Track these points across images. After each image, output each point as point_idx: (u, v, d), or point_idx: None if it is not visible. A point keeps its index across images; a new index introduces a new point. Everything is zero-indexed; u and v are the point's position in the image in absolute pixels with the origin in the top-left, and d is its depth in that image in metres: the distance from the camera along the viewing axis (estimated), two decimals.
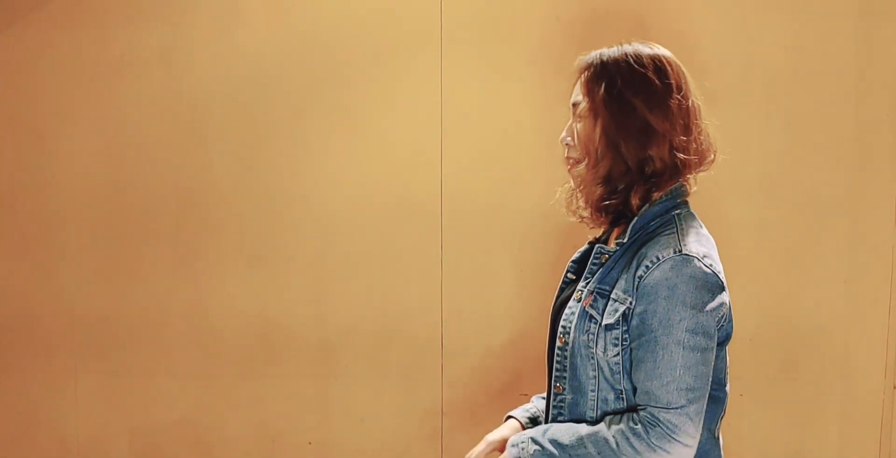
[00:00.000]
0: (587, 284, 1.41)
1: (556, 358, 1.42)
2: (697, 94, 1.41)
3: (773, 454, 2.62)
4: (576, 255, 1.56)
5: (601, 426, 1.33)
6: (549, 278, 2.50)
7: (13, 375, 2.78)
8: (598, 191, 1.38)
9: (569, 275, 1.54)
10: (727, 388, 1.45)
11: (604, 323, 1.34)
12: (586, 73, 1.40)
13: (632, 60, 1.37)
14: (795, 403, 2.60)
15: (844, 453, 2.61)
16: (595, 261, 1.42)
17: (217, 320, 2.70)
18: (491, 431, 1.56)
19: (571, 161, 1.45)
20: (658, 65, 1.37)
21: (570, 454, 1.34)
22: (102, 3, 2.64)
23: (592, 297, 1.37)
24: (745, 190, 2.54)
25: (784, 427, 2.61)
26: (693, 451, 1.30)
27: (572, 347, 1.38)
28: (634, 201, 1.37)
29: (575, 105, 1.43)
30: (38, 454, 2.80)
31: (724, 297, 1.35)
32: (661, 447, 1.27)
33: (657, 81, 1.36)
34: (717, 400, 1.41)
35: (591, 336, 1.36)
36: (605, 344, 1.34)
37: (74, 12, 2.64)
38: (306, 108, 2.62)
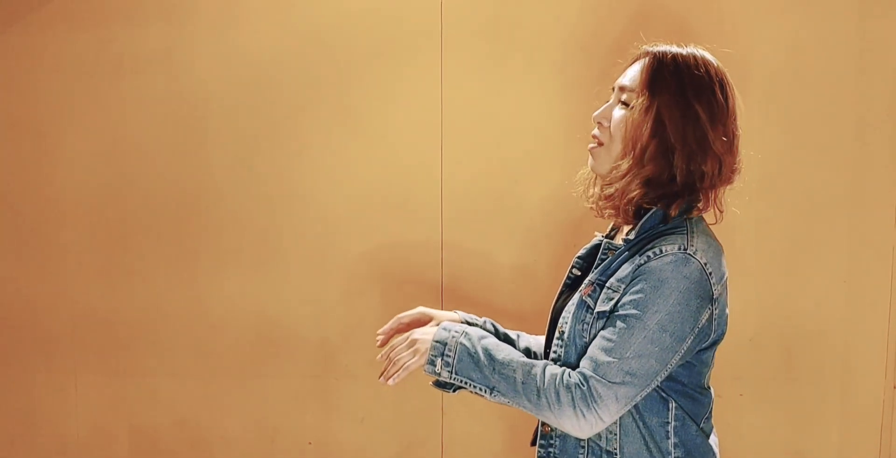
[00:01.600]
0: (590, 275, 1.41)
1: (553, 348, 1.42)
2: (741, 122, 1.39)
3: (773, 454, 2.62)
4: (582, 251, 1.55)
5: (537, 363, 1.34)
6: (550, 278, 2.50)
7: (13, 375, 2.78)
8: (638, 192, 1.34)
9: (574, 271, 1.53)
10: (711, 391, 1.45)
11: (596, 310, 1.34)
12: (653, 65, 1.34)
13: (702, 68, 1.33)
14: (795, 403, 2.60)
15: (844, 453, 2.60)
16: (602, 257, 1.42)
17: (217, 320, 2.70)
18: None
19: (595, 144, 1.41)
20: (722, 80, 1.35)
21: (494, 368, 1.35)
22: (102, 3, 2.64)
23: (592, 287, 1.37)
24: (746, 190, 2.53)
25: (784, 427, 2.61)
26: (600, 429, 1.30)
27: (568, 336, 1.38)
28: (672, 212, 1.34)
29: (623, 89, 1.38)
30: (38, 454, 2.80)
31: (711, 309, 1.33)
32: (578, 409, 1.27)
33: (721, 98, 1.34)
34: (698, 401, 1.41)
35: (585, 326, 1.36)
36: (599, 332, 1.34)
37: (74, 12, 2.64)
38: (306, 108, 2.62)
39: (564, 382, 1.29)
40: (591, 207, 1.46)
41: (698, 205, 1.38)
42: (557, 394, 1.28)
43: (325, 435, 2.72)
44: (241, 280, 2.68)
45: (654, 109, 1.32)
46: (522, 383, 1.32)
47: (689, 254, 1.29)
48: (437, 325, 1.46)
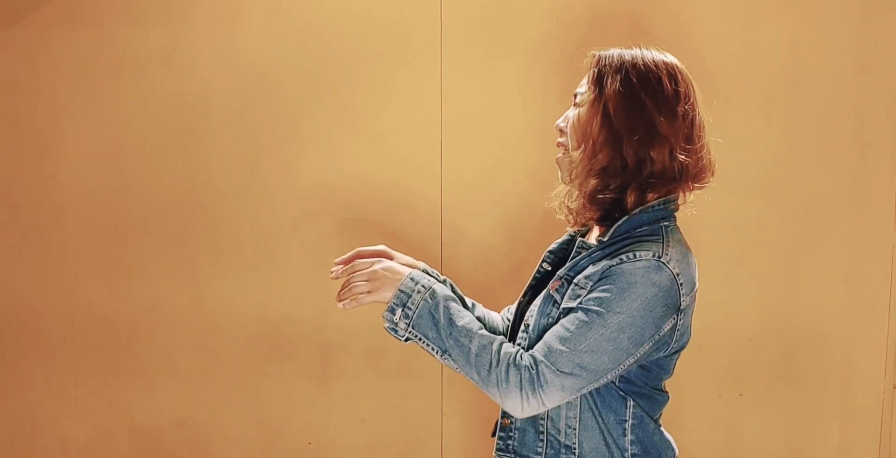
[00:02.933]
0: (560, 270, 1.43)
1: (517, 340, 1.44)
2: (704, 110, 1.42)
3: (773, 454, 2.62)
4: (553, 245, 1.56)
5: (496, 338, 1.35)
6: None
7: (13, 375, 2.78)
8: (592, 182, 1.38)
9: (544, 265, 1.55)
10: (667, 393, 1.46)
11: (562, 306, 1.35)
12: (600, 65, 1.40)
13: (649, 62, 1.37)
14: (795, 403, 2.60)
15: (844, 453, 2.61)
16: (575, 255, 1.44)
17: (217, 320, 2.70)
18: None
19: (562, 148, 1.45)
20: (671, 71, 1.38)
21: (451, 333, 1.36)
22: (102, 3, 2.64)
23: (560, 282, 1.39)
24: (745, 190, 2.54)
25: (784, 427, 2.61)
26: (539, 412, 1.32)
27: (533, 329, 1.40)
28: (630, 200, 1.37)
29: (576, 95, 1.44)
30: (38, 454, 2.80)
31: (676, 319, 1.34)
32: (524, 391, 1.29)
33: (669, 86, 1.36)
34: (655, 401, 1.43)
35: (550, 320, 1.37)
36: None
37: (74, 12, 2.64)
38: (306, 108, 2.62)
39: (516, 362, 1.30)
40: (565, 217, 1.49)
41: (675, 201, 1.40)
42: (507, 373, 1.30)
43: (325, 435, 2.72)
44: (241, 280, 2.68)
45: (601, 101, 1.37)
46: (476, 355, 1.33)
47: (663, 262, 1.30)
48: (402, 266, 1.47)
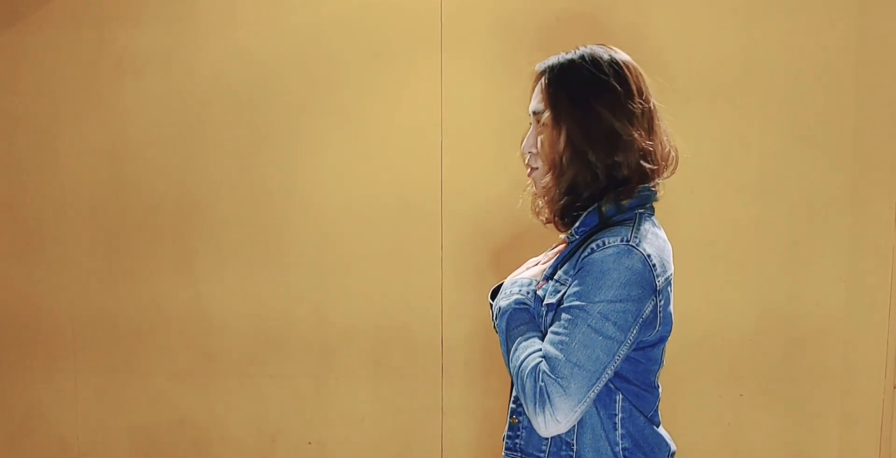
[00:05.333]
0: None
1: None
2: (657, 96, 1.41)
3: (773, 454, 2.62)
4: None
5: (536, 352, 1.33)
6: None
7: (13, 375, 2.78)
8: (564, 200, 1.39)
9: None
10: (658, 390, 1.47)
11: (545, 302, 1.37)
12: (545, 79, 1.40)
13: (591, 67, 1.37)
14: (795, 403, 2.60)
15: (844, 453, 2.61)
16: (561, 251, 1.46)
17: (217, 320, 2.70)
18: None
19: (530, 169, 1.47)
20: (617, 70, 1.37)
21: (513, 339, 1.37)
22: (102, 3, 2.64)
23: (545, 281, 1.40)
24: (745, 189, 2.54)
25: (784, 427, 2.61)
26: (564, 427, 1.31)
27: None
28: (605, 208, 1.37)
29: (535, 114, 1.43)
30: (38, 454, 2.80)
31: (656, 300, 1.34)
32: (535, 406, 1.29)
33: (619, 87, 1.36)
34: (645, 399, 1.43)
35: (539, 318, 1.39)
36: (547, 324, 1.36)
37: (74, 12, 2.65)
38: (306, 108, 2.62)
39: (542, 377, 1.30)
40: (547, 220, 1.49)
41: (651, 195, 1.40)
42: (531, 399, 1.30)
43: (325, 435, 2.72)
44: (241, 280, 2.68)
45: (559, 119, 1.37)
46: (519, 367, 1.33)
47: (632, 245, 1.31)
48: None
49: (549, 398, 1.28)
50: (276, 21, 2.60)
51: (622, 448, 1.39)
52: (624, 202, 1.38)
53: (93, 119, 2.68)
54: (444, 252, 2.63)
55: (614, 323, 1.29)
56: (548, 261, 1.51)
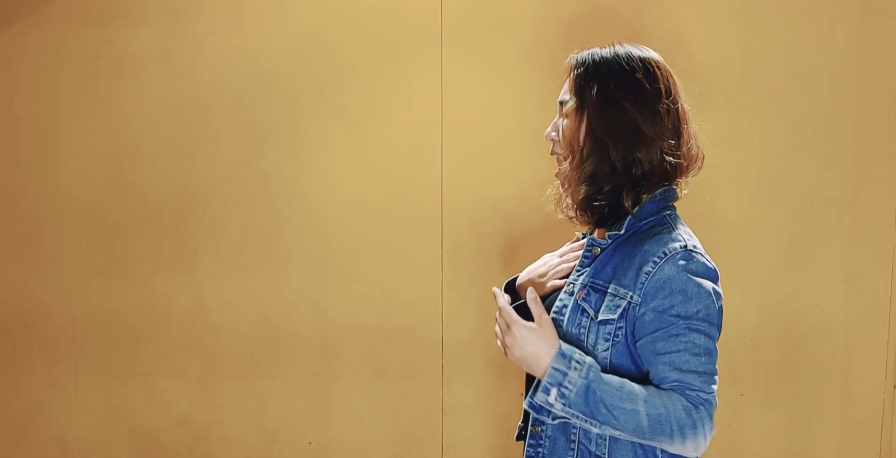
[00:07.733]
0: (579, 276, 1.42)
1: None
2: (686, 98, 1.43)
3: (773, 454, 2.62)
4: (565, 248, 1.57)
5: (654, 392, 1.28)
6: None
7: (13, 374, 2.78)
8: (583, 190, 1.39)
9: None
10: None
11: (600, 318, 1.34)
12: (577, 71, 1.42)
13: (624, 63, 1.38)
14: (795, 403, 2.60)
15: (844, 453, 2.60)
16: (587, 254, 1.43)
17: (217, 320, 2.70)
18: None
19: (556, 157, 1.47)
20: (649, 68, 1.38)
21: (614, 405, 1.26)
22: (103, 2, 2.64)
23: (585, 291, 1.38)
24: (745, 190, 2.54)
25: (784, 427, 2.61)
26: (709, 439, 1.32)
27: (562, 337, 1.37)
28: (626, 203, 1.37)
29: (562, 103, 1.45)
30: (38, 454, 2.80)
31: (720, 288, 1.37)
32: (702, 425, 1.27)
33: (647, 85, 1.37)
34: None
35: (582, 330, 1.36)
36: (597, 338, 1.34)
37: (75, 12, 2.65)
38: (306, 108, 2.62)
39: (685, 405, 1.27)
40: (570, 217, 1.48)
41: (673, 193, 1.40)
42: (689, 417, 1.26)
43: (325, 435, 2.72)
44: (241, 280, 2.68)
45: (584, 109, 1.39)
46: (647, 414, 1.26)
47: (691, 249, 1.32)
48: (542, 326, 1.33)
49: (703, 420, 1.27)
50: (277, 21, 2.60)
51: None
52: (644, 197, 1.38)
53: (93, 119, 2.68)
54: (444, 252, 2.63)
55: (710, 323, 1.31)
56: (571, 262, 1.49)
